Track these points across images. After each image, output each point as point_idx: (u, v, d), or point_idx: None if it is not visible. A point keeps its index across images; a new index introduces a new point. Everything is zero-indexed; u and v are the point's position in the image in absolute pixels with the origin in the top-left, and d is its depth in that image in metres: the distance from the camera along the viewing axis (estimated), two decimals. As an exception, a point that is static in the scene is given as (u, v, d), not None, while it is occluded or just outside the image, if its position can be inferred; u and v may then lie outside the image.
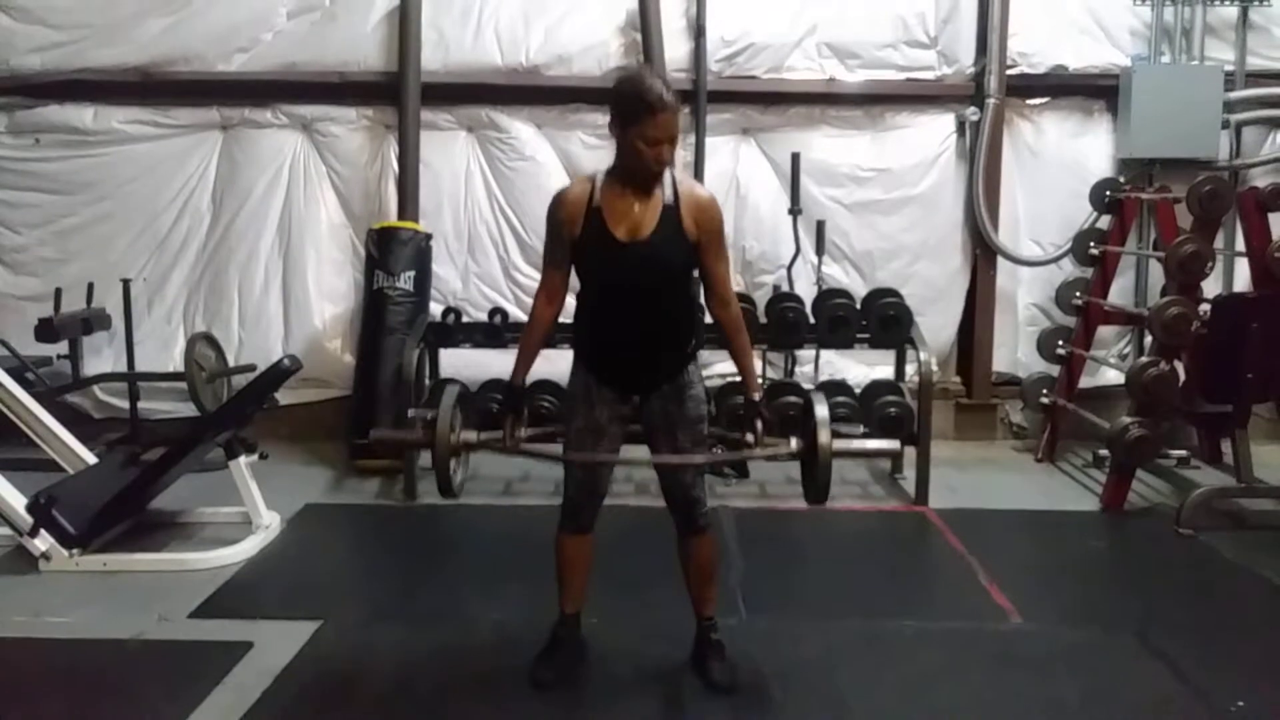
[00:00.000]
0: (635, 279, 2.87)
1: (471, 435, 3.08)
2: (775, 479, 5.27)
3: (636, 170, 2.80)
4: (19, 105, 5.96)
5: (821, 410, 2.92)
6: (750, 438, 3.00)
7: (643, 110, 2.71)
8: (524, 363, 3.05)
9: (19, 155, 5.99)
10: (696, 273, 2.98)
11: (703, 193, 2.92)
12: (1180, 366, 4.81)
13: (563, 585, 3.15)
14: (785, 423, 4.79)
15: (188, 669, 3.21)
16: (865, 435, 3.01)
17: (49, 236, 6.05)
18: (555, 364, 5.46)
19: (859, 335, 5.18)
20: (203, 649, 3.34)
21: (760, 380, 5.57)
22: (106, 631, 3.47)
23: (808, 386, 5.19)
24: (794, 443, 3.01)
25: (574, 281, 3.02)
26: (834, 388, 5.12)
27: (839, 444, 2.90)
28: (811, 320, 5.16)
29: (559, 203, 2.92)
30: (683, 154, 5.86)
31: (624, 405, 2.99)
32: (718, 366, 5.92)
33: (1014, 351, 6.18)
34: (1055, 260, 5.99)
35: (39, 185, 6.01)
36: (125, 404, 5.80)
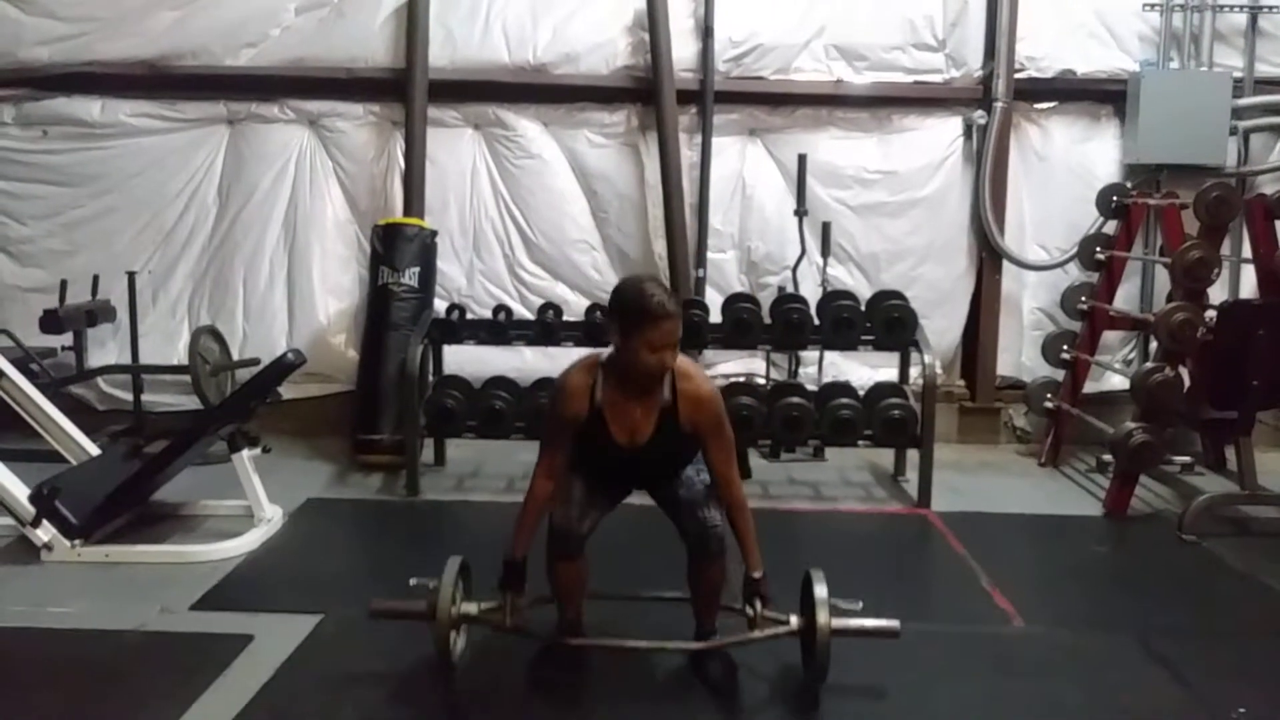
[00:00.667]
0: (632, 475, 3.10)
1: (472, 608, 3.08)
2: (777, 479, 5.27)
3: (637, 374, 2.83)
4: (27, 97, 5.97)
5: (820, 590, 2.94)
6: (750, 614, 3.00)
7: (647, 317, 2.74)
8: (523, 539, 3.02)
9: (26, 147, 6.00)
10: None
11: (701, 389, 2.92)
12: (1185, 372, 4.80)
13: (560, 603, 3.14)
14: (789, 424, 4.84)
15: (189, 661, 3.21)
16: (863, 612, 3.03)
17: (55, 228, 6.06)
18: (558, 362, 5.49)
19: (863, 337, 5.17)
20: (204, 641, 3.34)
21: (763, 382, 5.58)
22: (108, 623, 3.47)
23: (811, 386, 5.21)
24: (794, 621, 3.02)
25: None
26: (837, 389, 5.11)
27: (838, 623, 2.92)
28: (816, 322, 5.16)
29: (564, 397, 2.94)
30: (689, 154, 5.88)
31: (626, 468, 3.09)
32: (721, 367, 5.94)
33: (1018, 355, 6.17)
34: (1061, 265, 5.98)
35: (46, 177, 6.02)
36: (129, 396, 5.81)
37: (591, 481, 3.06)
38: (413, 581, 3.12)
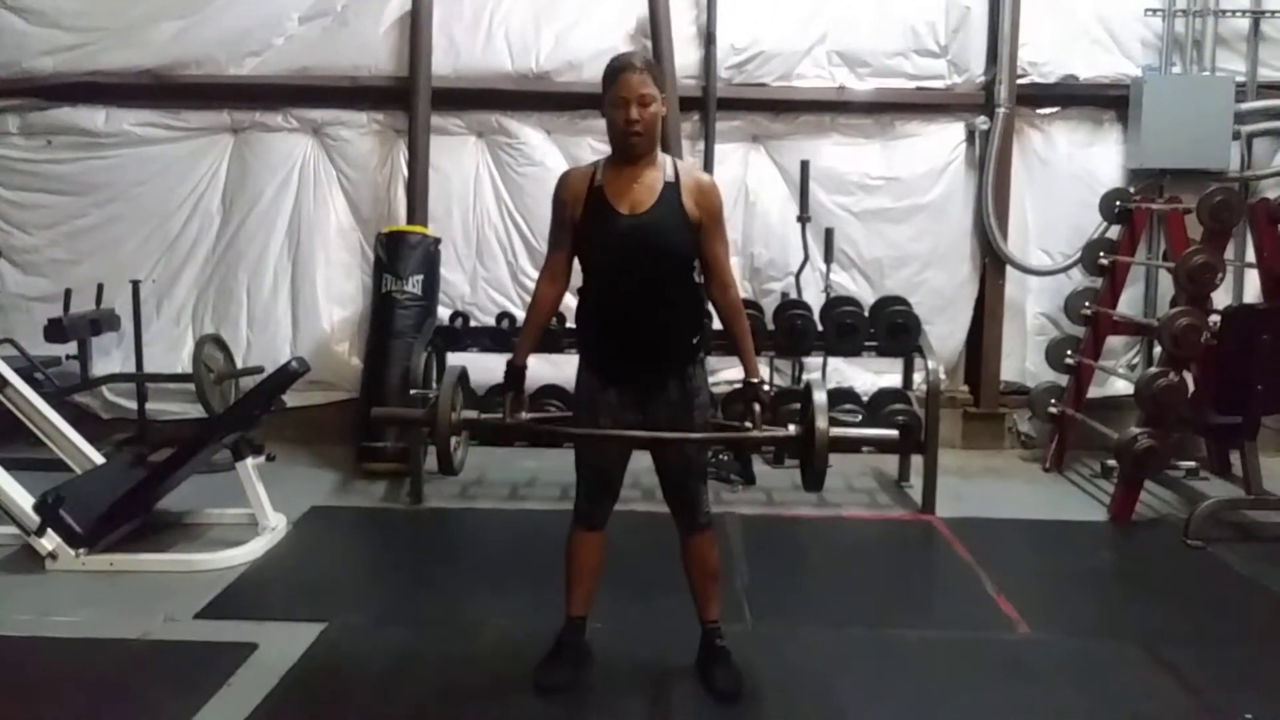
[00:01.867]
0: (634, 253, 2.87)
1: (472, 414, 3.10)
2: (782, 485, 5.26)
3: (615, 138, 2.86)
4: (31, 107, 5.99)
5: (820, 396, 2.93)
6: (749, 421, 2.99)
7: (610, 74, 2.83)
8: (526, 343, 3.07)
9: (31, 157, 6.02)
10: (698, 270, 2.99)
11: (703, 176, 3.00)
12: (1189, 377, 4.79)
13: (571, 586, 3.14)
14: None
15: (193, 669, 3.21)
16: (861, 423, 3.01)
17: (59, 237, 6.07)
18: (562, 369, 5.49)
19: (867, 343, 5.17)
20: (208, 649, 3.34)
21: (768, 389, 5.58)
22: (112, 631, 3.47)
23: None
24: (792, 428, 3.03)
25: (576, 282, 3.03)
26: (841, 395, 5.11)
27: (836, 430, 2.91)
28: (819, 328, 5.16)
29: (563, 183, 2.97)
30: (692, 160, 5.88)
31: (629, 413, 2.98)
32: (725, 373, 5.93)
33: (1022, 361, 6.17)
34: (1064, 270, 5.97)
35: (50, 186, 6.04)
36: (133, 405, 5.83)
37: (602, 398, 2.97)
38: (413, 392, 3.13)
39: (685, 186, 2.89)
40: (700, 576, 3.13)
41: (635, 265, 2.89)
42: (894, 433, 3.02)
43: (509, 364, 3.05)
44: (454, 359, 5.51)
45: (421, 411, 2.99)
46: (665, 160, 2.92)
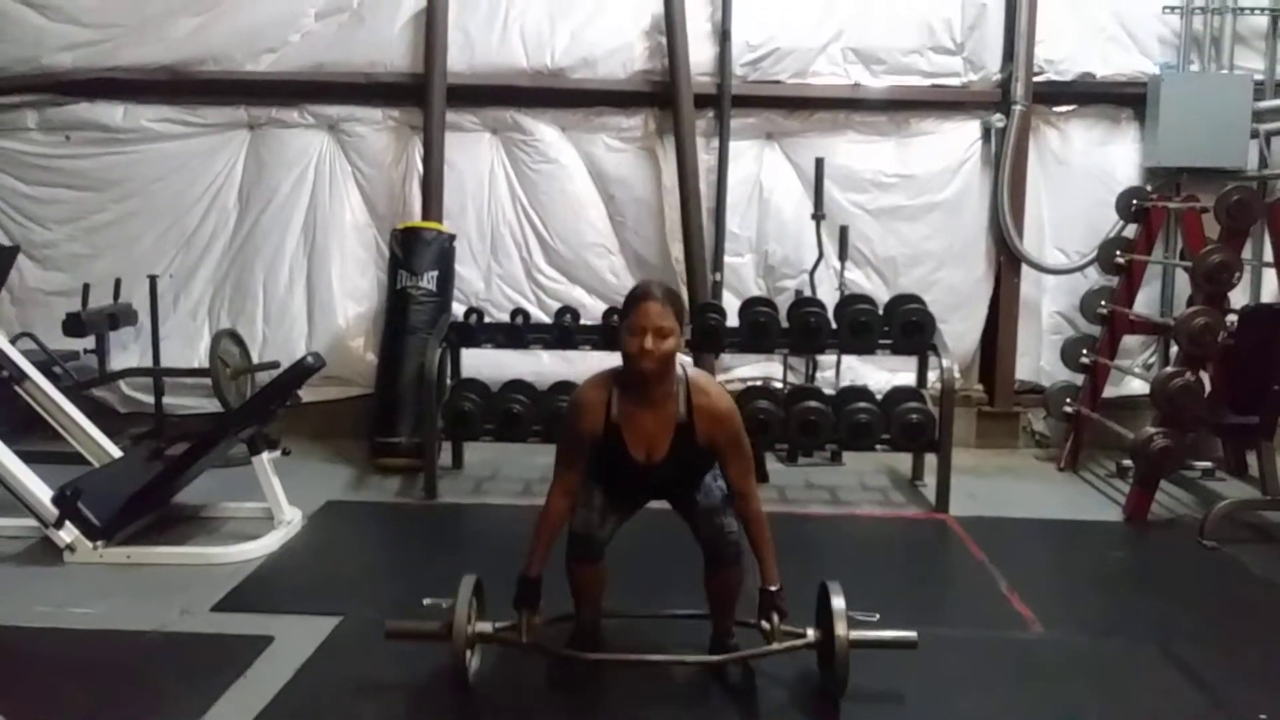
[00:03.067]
0: (651, 487, 3.09)
1: (487, 627, 3.08)
2: (794, 484, 5.26)
3: (629, 368, 2.85)
4: (50, 103, 6.02)
5: (838, 602, 2.93)
6: (766, 627, 2.99)
7: (631, 301, 2.84)
8: (539, 556, 3.01)
9: (50, 152, 6.06)
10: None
11: (718, 405, 2.93)
12: (1206, 377, 4.77)
13: (579, 602, 3.15)
14: (806, 428, 4.83)
15: (209, 662, 3.23)
16: (881, 622, 3.03)
17: (78, 232, 6.11)
18: (577, 366, 5.51)
19: (881, 341, 5.16)
20: (224, 642, 3.37)
21: (780, 387, 5.58)
22: (129, 623, 3.50)
23: (828, 390, 5.20)
24: (811, 634, 3.02)
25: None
26: (855, 394, 5.10)
27: (856, 634, 2.91)
28: (833, 325, 5.15)
29: (579, 413, 2.96)
30: (706, 158, 5.88)
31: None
32: (738, 371, 5.94)
33: (1037, 360, 6.15)
34: (1080, 269, 5.95)
35: (69, 182, 6.08)
36: (150, 399, 5.86)
37: (610, 490, 3.06)
38: (427, 601, 3.13)
39: (699, 422, 2.90)
40: (720, 606, 3.13)
41: (651, 492, 3.13)
42: (913, 634, 3.03)
43: (522, 577, 3.01)
44: (468, 355, 5.55)
45: (437, 625, 3.01)
46: (679, 388, 2.90)
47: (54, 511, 4.00)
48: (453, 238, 5.80)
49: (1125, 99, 5.94)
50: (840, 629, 2.87)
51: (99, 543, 4.04)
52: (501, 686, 3.13)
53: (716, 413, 2.91)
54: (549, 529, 3.01)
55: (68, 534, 4.01)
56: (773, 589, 2.98)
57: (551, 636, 3.12)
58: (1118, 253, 5.59)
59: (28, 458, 4.23)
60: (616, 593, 3.27)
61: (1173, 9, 5.82)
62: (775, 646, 2.98)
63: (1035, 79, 5.85)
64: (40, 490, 4.06)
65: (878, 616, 3.04)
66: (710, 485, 3.07)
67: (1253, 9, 5.82)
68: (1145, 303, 5.85)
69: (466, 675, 3.05)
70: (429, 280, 5.56)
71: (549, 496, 3.02)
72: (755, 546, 3.00)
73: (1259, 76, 5.82)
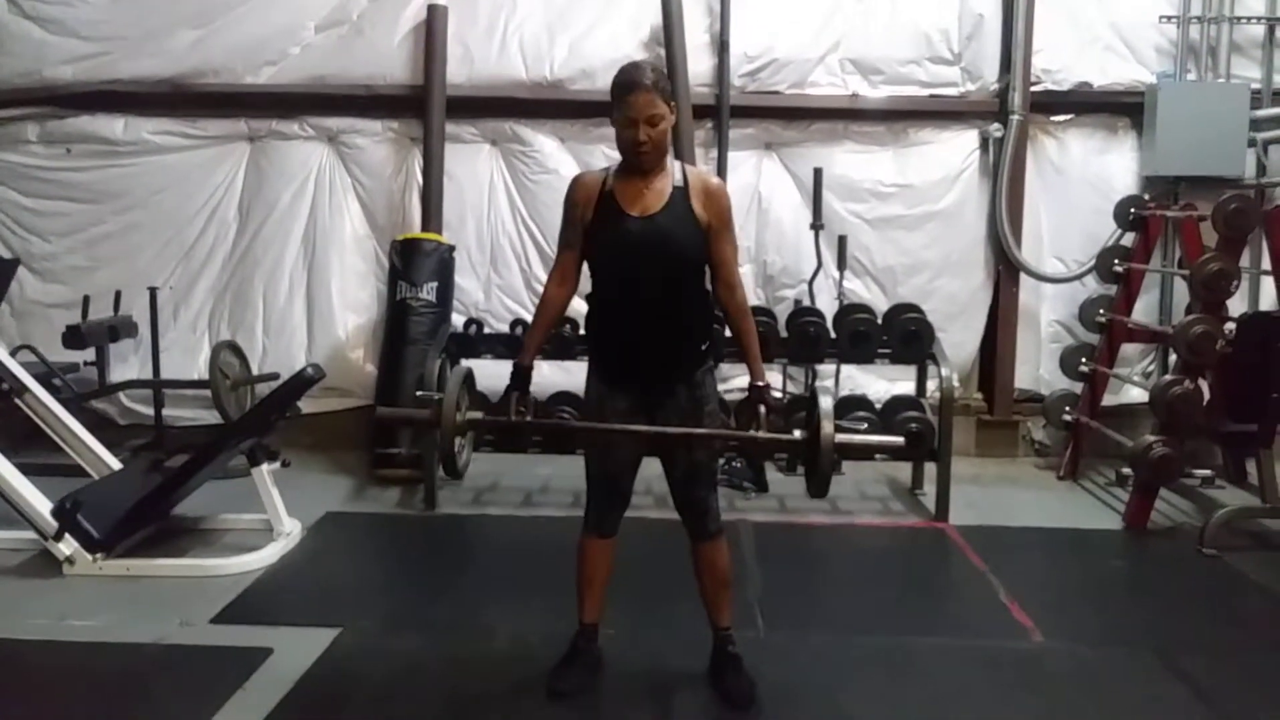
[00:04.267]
0: (644, 255, 2.89)
1: (477, 414, 3.11)
2: (795, 493, 5.26)
3: (623, 153, 2.88)
4: (51, 115, 6.04)
5: (825, 401, 2.93)
6: (756, 424, 2.99)
7: (619, 90, 2.84)
8: (533, 343, 3.09)
9: (50, 165, 6.08)
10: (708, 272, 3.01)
11: (712, 179, 3.01)
12: (1205, 385, 4.77)
13: (582, 593, 3.16)
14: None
15: (208, 674, 3.23)
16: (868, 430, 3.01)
17: (78, 245, 6.12)
18: (574, 375, 5.50)
19: (880, 350, 5.16)
20: (223, 654, 3.37)
21: (780, 396, 5.58)
22: (128, 636, 3.50)
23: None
24: (797, 432, 3.03)
25: (585, 287, 3.05)
26: (855, 403, 5.11)
27: (842, 435, 2.90)
28: (832, 335, 5.16)
29: (575, 185, 3.01)
30: (705, 168, 5.89)
31: (638, 419, 2.99)
32: (738, 381, 5.93)
33: (1036, 368, 6.15)
34: (1079, 277, 5.96)
35: (69, 194, 6.09)
36: (150, 411, 5.87)
37: (611, 403, 3.00)
38: (419, 393, 3.13)
39: (694, 190, 2.92)
40: (711, 583, 3.13)
41: (644, 267, 2.90)
42: (900, 440, 3.00)
43: (515, 364, 3.08)
44: (467, 366, 5.54)
45: (427, 411, 3.00)
46: (675, 166, 2.95)
47: (53, 524, 4.00)
48: (452, 249, 5.81)
49: (1123, 108, 5.96)
50: (827, 427, 2.86)
51: (98, 555, 4.04)
52: (501, 692, 3.13)
53: (710, 185, 2.96)
54: (546, 316, 3.08)
55: (67, 546, 4.01)
56: (760, 384, 3.00)
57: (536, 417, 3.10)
58: (1116, 261, 5.60)
59: (27, 470, 4.23)
60: (619, 598, 3.27)
61: (1169, 18, 5.84)
62: (762, 435, 2.98)
63: (1033, 89, 5.86)
64: (39, 502, 4.06)
65: (866, 426, 3.02)
66: (700, 465, 3.04)
67: (1249, 18, 5.84)
68: (1144, 311, 5.85)
69: (456, 463, 3.06)
70: (428, 291, 5.57)
71: (546, 284, 3.08)
72: (740, 339, 3.03)
73: (1256, 85, 5.83)
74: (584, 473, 3.13)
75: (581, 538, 3.14)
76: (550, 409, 4.95)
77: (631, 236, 2.88)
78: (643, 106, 2.79)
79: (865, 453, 2.99)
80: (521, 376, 3.07)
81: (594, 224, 2.94)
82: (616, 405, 3.00)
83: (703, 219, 2.91)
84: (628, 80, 2.82)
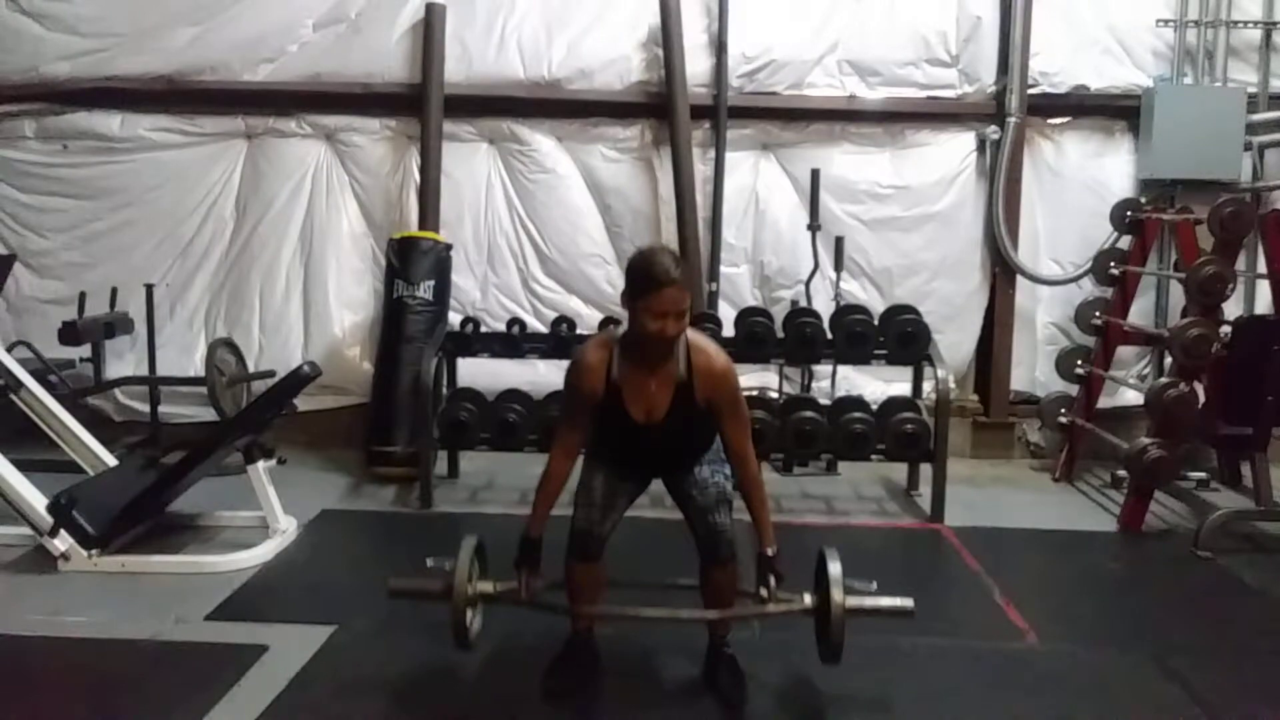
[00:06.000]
0: (651, 454, 3.05)
1: (488, 586, 3.10)
2: (790, 493, 5.27)
3: (644, 342, 2.83)
4: (48, 112, 6.04)
5: (835, 568, 2.95)
6: (764, 592, 2.99)
7: (648, 284, 2.76)
8: (540, 516, 3.04)
9: (47, 161, 6.08)
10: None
11: (716, 364, 2.92)
12: (1200, 388, 4.78)
13: (574, 607, 3.15)
14: (802, 438, 4.84)
15: (203, 671, 3.22)
16: (877, 592, 3.04)
17: (74, 241, 6.12)
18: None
19: (876, 351, 5.17)
20: (218, 651, 3.36)
21: (776, 396, 5.59)
22: (123, 632, 3.50)
23: (824, 400, 5.21)
24: (808, 599, 3.03)
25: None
26: (850, 404, 5.11)
27: (852, 601, 2.93)
28: (829, 336, 5.17)
29: (580, 374, 2.95)
30: (702, 169, 5.91)
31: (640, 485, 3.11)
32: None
33: (1032, 370, 6.17)
34: (1075, 279, 5.98)
35: (66, 190, 6.09)
36: (146, 407, 5.87)
37: (610, 475, 3.06)
38: (429, 561, 3.13)
39: (699, 381, 2.90)
40: (716, 603, 3.12)
41: (649, 458, 3.08)
42: (909, 602, 3.04)
43: (524, 537, 3.03)
44: (464, 364, 5.55)
45: (439, 583, 3.02)
46: (679, 349, 2.90)
47: (48, 519, 4.00)
48: (449, 247, 5.81)
49: (1119, 111, 5.97)
50: (837, 595, 2.88)
51: (93, 551, 4.04)
52: (496, 692, 3.13)
53: (715, 371, 2.92)
54: (550, 490, 3.05)
55: (62, 542, 4.01)
56: (770, 552, 3.00)
57: (550, 598, 3.13)
58: (1112, 264, 5.62)
59: (23, 466, 4.23)
60: (615, 597, 3.27)
61: (1166, 22, 5.86)
62: (771, 607, 3.00)
63: (1030, 91, 5.88)
64: (35, 498, 4.06)
65: (875, 585, 3.04)
66: (707, 481, 3.05)
67: (1245, 22, 5.86)
68: (1140, 314, 5.87)
69: (467, 634, 3.05)
70: (425, 290, 5.57)
71: (550, 458, 3.06)
72: (753, 509, 3.02)
73: (1252, 89, 5.85)
74: (576, 480, 3.11)
75: (567, 561, 3.07)
76: (544, 412, 4.94)
77: (636, 439, 2.97)
78: (674, 302, 2.76)
79: (875, 615, 3.04)
80: (531, 550, 3.03)
81: (599, 418, 2.97)
82: (620, 473, 3.08)
83: (707, 408, 2.93)
84: (658, 275, 2.74)
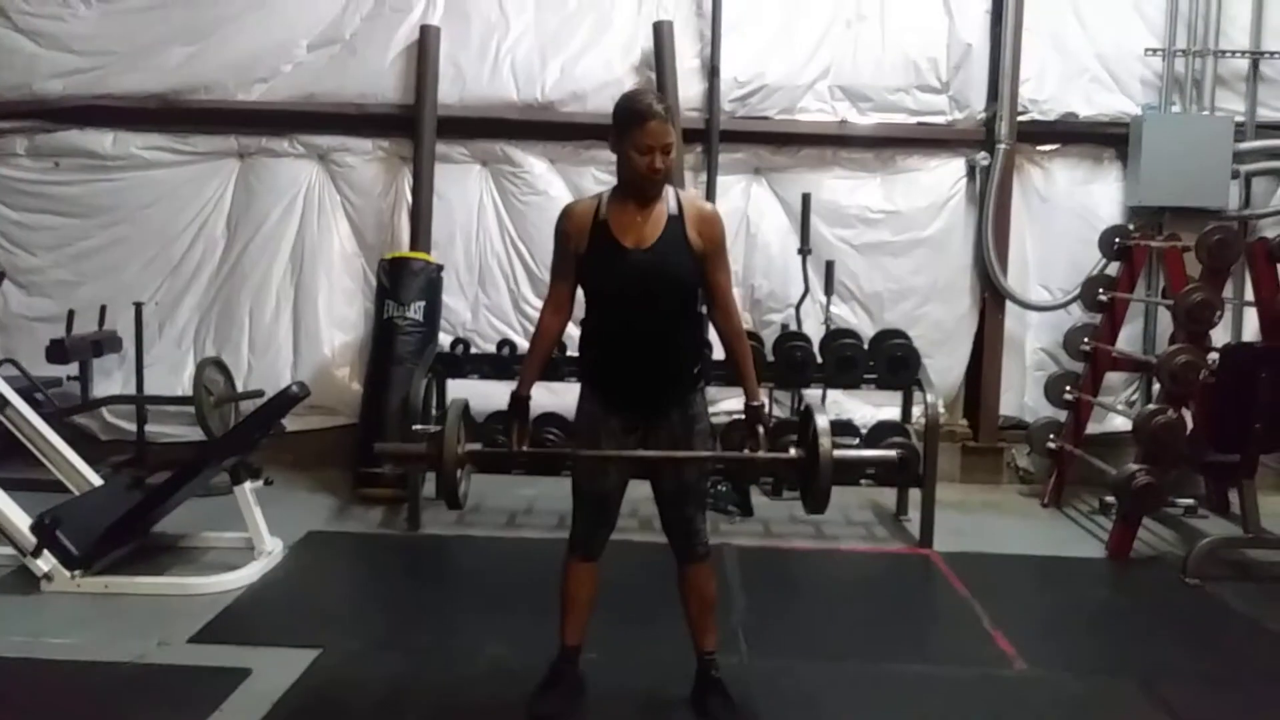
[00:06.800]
0: (641, 287, 2.90)
1: (476, 446, 3.10)
2: (779, 517, 5.25)
3: (633, 180, 2.86)
4: (39, 129, 6.03)
5: (821, 420, 2.93)
6: (752, 445, 3.01)
7: (634, 119, 2.81)
8: (530, 373, 3.09)
9: (38, 178, 6.06)
10: (701, 298, 3.02)
11: (706, 205, 3.02)
12: (1188, 415, 4.79)
13: (565, 615, 3.14)
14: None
15: (186, 694, 3.19)
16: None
17: (64, 259, 6.10)
18: (563, 397, 5.49)
19: (866, 376, 5.18)
20: (201, 674, 3.33)
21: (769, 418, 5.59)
22: (106, 654, 3.46)
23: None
24: (794, 450, 3.04)
25: (579, 312, 3.05)
26: (840, 428, 5.11)
27: (839, 451, 2.92)
28: (819, 360, 5.17)
29: (566, 216, 2.98)
30: (695, 191, 5.91)
31: (630, 440, 2.99)
32: (724, 404, 5.93)
33: (1021, 396, 6.18)
34: (1064, 305, 6.00)
35: (56, 208, 6.07)
36: (133, 426, 5.83)
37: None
38: (416, 427, 3.11)
39: (689, 218, 2.92)
40: (697, 607, 3.12)
41: (640, 297, 2.91)
42: (893, 454, 3.04)
43: (513, 394, 3.07)
44: (454, 386, 5.53)
45: (425, 446, 3.00)
46: (669, 192, 2.94)
47: (32, 539, 3.96)
48: (440, 268, 5.81)
49: (1108, 139, 6.02)
50: (824, 443, 2.87)
51: (77, 572, 4.00)
52: (483, 712, 3.11)
53: (704, 212, 2.95)
54: (542, 347, 3.08)
55: (45, 562, 3.97)
56: (755, 404, 3.02)
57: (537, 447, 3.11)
58: (1101, 290, 5.64)
59: (7, 485, 4.19)
60: (602, 621, 3.26)
61: (1155, 51, 5.91)
62: (761, 454, 3.01)
63: (1019, 118, 5.92)
64: (18, 517, 4.02)
65: (858, 440, 3.03)
66: (689, 484, 3.04)
67: (1233, 52, 5.92)
68: (1128, 340, 5.89)
69: (457, 493, 3.04)
70: (416, 310, 5.56)
71: (541, 314, 3.08)
72: (737, 362, 3.05)
73: (1239, 118, 5.91)
74: (569, 494, 3.11)
75: (565, 560, 3.12)
76: (539, 432, 4.92)
77: (627, 269, 2.89)
78: (661, 134, 2.80)
79: (860, 467, 3.02)
80: (520, 406, 3.06)
81: (588, 255, 2.94)
82: (609, 426, 3.00)
83: (697, 246, 2.91)
84: (642, 108, 2.81)
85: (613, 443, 2.99)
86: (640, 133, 2.79)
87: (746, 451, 3.05)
